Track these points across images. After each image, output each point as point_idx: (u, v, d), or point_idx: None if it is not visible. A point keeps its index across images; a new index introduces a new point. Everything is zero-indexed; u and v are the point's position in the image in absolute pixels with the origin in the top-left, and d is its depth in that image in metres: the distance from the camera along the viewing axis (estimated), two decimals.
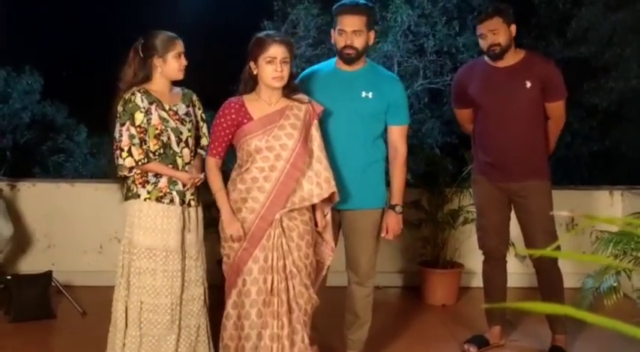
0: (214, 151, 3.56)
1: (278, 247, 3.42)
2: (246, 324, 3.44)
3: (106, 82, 3.81)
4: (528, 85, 4.09)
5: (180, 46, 3.66)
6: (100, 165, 12.62)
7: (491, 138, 4.21)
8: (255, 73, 3.47)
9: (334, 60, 3.91)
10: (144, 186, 3.63)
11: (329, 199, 3.59)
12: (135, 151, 3.57)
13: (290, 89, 3.53)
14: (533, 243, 4.17)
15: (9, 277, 4.92)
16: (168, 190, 3.63)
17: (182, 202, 3.65)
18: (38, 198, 5.71)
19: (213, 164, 3.58)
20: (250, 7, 12.50)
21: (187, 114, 3.72)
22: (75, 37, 14.18)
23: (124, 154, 3.57)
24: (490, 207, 4.31)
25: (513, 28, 4.11)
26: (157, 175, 3.63)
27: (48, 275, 4.90)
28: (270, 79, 3.42)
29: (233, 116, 3.49)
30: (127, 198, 3.67)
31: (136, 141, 3.58)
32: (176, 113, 3.66)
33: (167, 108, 3.64)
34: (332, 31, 3.85)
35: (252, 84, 3.52)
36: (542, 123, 4.21)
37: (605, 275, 3.42)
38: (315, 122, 3.55)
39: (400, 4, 11.01)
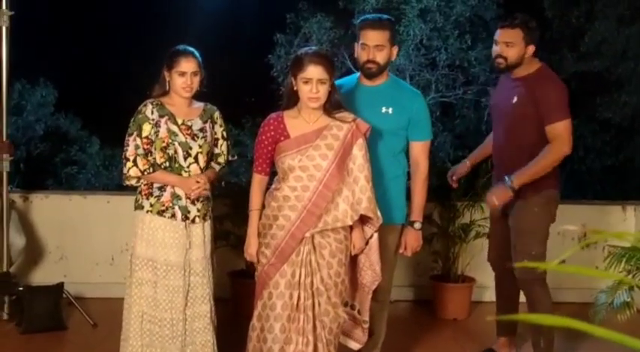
0: (259, 168, 3.52)
1: (306, 264, 3.37)
2: (269, 338, 3.38)
3: (119, 95, 3.82)
4: (514, 100, 3.94)
5: (184, 66, 3.58)
6: (113, 177, 12.69)
7: (495, 145, 4.21)
8: (295, 89, 3.41)
9: (357, 75, 3.89)
10: (147, 198, 3.63)
11: (370, 222, 3.51)
12: (140, 161, 3.58)
13: (332, 106, 3.43)
14: (513, 259, 3.96)
15: (21, 288, 4.93)
16: (170, 204, 3.61)
17: (185, 218, 3.62)
18: (51, 210, 5.73)
19: (256, 181, 3.54)
20: (263, 20, 12.57)
21: (202, 130, 3.67)
22: (89, 50, 14.30)
23: (129, 164, 3.59)
24: (492, 218, 4.35)
25: (530, 49, 3.90)
26: (162, 188, 3.62)
27: (59, 286, 4.91)
28: (306, 99, 3.37)
29: (272, 133, 3.44)
30: (135, 208, 3.68)
31: (141, 151, 3.58)
32: (189, 128, 3.63)
33: (180, 122, 3.62)
34: (355, 45, 3.83)
35: (295, 99, 3.45)
36: (534, 140, 3.88)
37: (618, 291, 3.39)
38: (359, 142, 3.42)
39: (413, 18, 11.04)
